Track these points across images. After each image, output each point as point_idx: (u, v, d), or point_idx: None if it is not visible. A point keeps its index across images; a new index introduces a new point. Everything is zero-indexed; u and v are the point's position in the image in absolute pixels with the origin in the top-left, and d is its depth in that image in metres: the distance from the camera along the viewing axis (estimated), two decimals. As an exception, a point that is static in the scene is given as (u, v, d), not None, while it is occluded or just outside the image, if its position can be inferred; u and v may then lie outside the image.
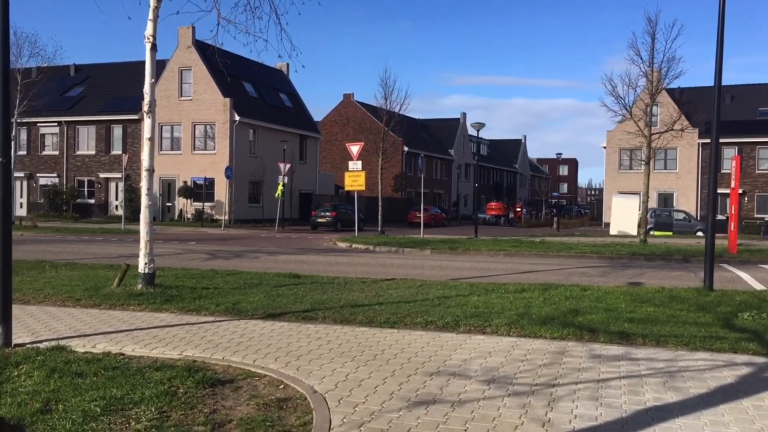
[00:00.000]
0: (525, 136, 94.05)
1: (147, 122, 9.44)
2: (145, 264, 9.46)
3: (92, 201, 41.75)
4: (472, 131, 76.44)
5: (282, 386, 5.10)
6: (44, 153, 42.82)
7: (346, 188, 28.35)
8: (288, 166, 35.64)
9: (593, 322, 7.73)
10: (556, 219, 44.15)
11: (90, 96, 43.37)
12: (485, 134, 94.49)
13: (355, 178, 26.90)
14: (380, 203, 30.04)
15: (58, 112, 42.13)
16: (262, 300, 9.03)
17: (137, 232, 30.67)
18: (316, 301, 9.04)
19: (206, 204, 37.08)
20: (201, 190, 36.84)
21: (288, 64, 49.63)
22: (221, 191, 37.14)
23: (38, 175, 42.81)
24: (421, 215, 28.67)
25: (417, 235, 28.50)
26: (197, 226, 34.13)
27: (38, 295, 9.20)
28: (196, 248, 20.27)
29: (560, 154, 50.16)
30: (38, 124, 42.19)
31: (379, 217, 29.78)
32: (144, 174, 9.52)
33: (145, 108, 9.39)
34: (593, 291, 10.45)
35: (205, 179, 36.81)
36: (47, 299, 8.94)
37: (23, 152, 42.87)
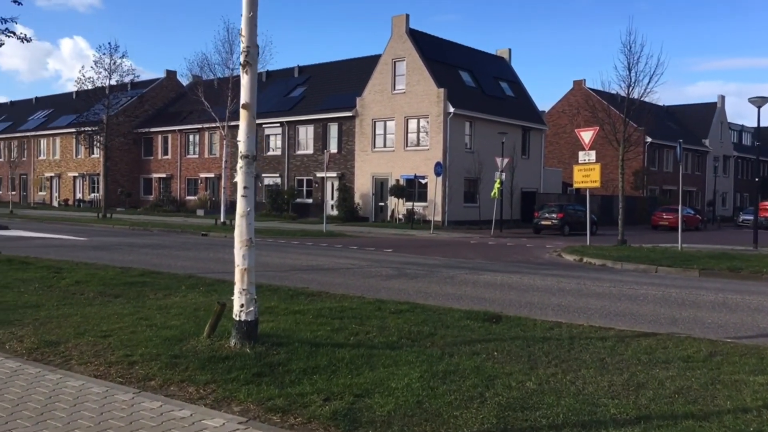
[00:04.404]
0: (803, 121, 77.11)
1: (244, 80, 5.92)
2: (241, 307, 5.94)
3: (310, 200, 41.47)
4: (732, 119, 64.33)
5: None
6: (269, 154, 43.68)
7: (575, 185, 23.03)
8: (506, 160, 31.18)
9: None
10: None
11: (310, 95, 43.35)
12: (744, 122, 79.94)
13: (587, 173, 21.61)
14: (621, 204, 23.78)
15: (281, 113, 42.65)
16: (412, 388, 4.96)
17: (338, 234, 28.18)
18: (513, 399, 4.73)
19: (418, 204, 34.16)
20: (413, 189, 34.03)
21: (510, 50, 45.03)
22: (434, 190, 33.97)
23: (264, 175, 43.80)
24: (679, 218, 22.04)
25: (668, 244, 22.20)
26: (407, 228, 31.31)
27: (97, 346, 6.19)
28: (388, 258, 16.94)
29: None
30: (263, 126, 43.13)
31: (620, 222, 23.44)
32: (240, 163, 5.99)
33: (242, 58, 5.88)
34: None
35: (415, 176, 33.87)
36: (97, 357, 5.86)
37: (251, 153, 44.23)
